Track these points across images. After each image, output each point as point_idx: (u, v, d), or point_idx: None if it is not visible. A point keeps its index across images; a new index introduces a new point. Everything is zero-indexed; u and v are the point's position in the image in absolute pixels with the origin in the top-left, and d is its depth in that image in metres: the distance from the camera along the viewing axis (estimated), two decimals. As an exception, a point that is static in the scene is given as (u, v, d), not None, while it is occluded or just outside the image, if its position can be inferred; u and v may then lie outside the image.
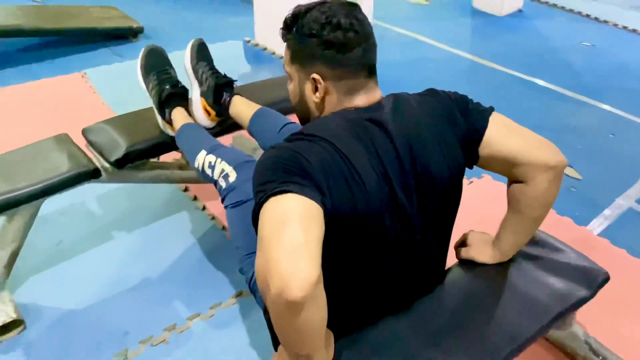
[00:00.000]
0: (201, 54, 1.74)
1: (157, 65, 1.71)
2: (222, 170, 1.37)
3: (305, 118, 1.10)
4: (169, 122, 1.67)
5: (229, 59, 3.18)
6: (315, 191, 0.86)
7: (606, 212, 2.08)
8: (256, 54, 2.96)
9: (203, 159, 1.45)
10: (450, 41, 3.58)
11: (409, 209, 1.00)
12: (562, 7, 4.18)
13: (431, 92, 1.11)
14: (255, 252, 1.10)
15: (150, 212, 2.00)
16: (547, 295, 1.12)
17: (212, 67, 1.73)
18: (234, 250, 1.31)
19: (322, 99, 1.03)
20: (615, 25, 3.91)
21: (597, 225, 2.01)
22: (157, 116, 1.69)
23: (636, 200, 2.15)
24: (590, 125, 2.66)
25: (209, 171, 1.42)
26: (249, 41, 3.00)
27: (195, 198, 2.07)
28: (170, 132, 1.67)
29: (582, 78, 3.13)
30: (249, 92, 1.98)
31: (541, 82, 3.08)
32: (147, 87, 1.71)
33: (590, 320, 1.56)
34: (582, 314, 1.56)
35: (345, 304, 1.02)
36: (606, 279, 1.18)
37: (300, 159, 0.89)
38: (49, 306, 1.62)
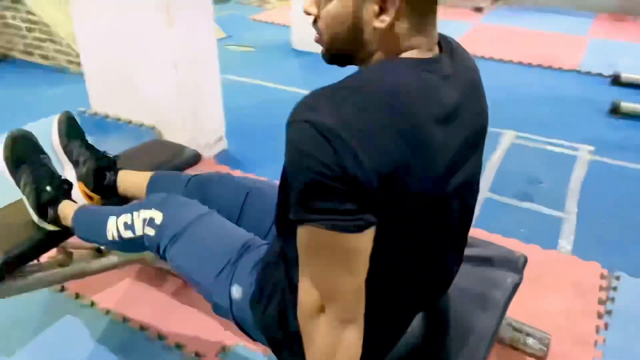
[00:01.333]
0: (72, 130, 1.52)
1: (27, 157, 1.44)
2: (144, 220, 1.15)
3: (343, 56, 0.82)
4: (55, 221, 1.42)
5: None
6: (366, 208, 0.71)
7: (473, 206, 2.35)
8: (98, 124, 2.71)
9: (115, 226, 1.21)
10: (286, 81, 3.74)
11: (470, 198, 0.91)
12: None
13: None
14: (225, 267, 1.04)
15: (30, 324, 1.68)
16: (491, 289, 1.22)
17: (87, 145, 1.53)
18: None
19: (390, 27, 0.76)
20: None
21: (471, 219, 2.26)
22: (33, 215, 1.43)
23: (489, 190, 2.47)
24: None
25: (128, 234, 1.19)
26: (84, 111, 2.75)
27: (77, 296, 1.80)
28: (50, 227, 1.44)
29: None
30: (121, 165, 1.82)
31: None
32: (18, 183, 1.44)
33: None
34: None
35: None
36: (526, 261, 1.34)
37: (345, 158, 0.67)
38: None
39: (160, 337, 1.63)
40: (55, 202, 1.41)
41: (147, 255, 1.85)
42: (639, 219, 2.27)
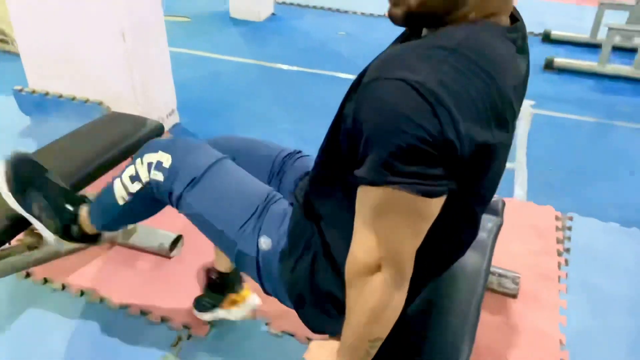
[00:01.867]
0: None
1: (32, 179, 1.28)
2: (149, 165, 1.07)
3: (430, 16, 0.77)
4: (80, 236, 1.29)
5: (1, 118, 2.67)
6: (452, 175, 0.71)
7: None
8: (38, 103, 2.53)
9: (121, 185, 1.12)
10: (229, 51, 3.64)
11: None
12: (307, 5, 4.61)
13: None
14: (251, 217, 1.02)
15: (-4, 316, 1.58)
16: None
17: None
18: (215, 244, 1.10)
19: None
20: (357, 13, 4.50)
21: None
22: (52, 237, 1.28)
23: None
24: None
25: (136, 186, 1.10)
26: (21, 90, 2.55)
27: (45, 281, 1.71)
28: (75, 245, 1.32)
29: (351, 61, 3.53)
30: (63, 151, 1.70)
31: (323, 72, 3.38)
32: (29, 210, 1.27)
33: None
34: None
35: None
36: (504, 204, 1.41)
37: (444, 123, 0.66)
38: None
39: (143, 312, 1.59)
40: (76, 217, 1.29)
41: (115, 234, 1.78)
42: (582, 164, 2.46)
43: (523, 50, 0.84)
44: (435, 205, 0.74)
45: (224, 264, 1.42)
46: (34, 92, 2.55)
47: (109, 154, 1.68)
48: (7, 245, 1.37)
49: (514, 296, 1.67)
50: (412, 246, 0.78)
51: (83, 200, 1.32)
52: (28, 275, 1.73)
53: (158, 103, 2.55)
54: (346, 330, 0.87)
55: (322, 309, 0.98)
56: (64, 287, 1.69)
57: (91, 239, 1.34)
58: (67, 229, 1.28)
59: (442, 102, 0.67)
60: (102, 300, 1.64)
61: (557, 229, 2.01)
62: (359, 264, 0.80)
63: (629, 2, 3.58)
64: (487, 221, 1.33)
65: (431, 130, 0.67)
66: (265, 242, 1.00)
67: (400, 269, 0.79)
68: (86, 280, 1.71)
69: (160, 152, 1.08)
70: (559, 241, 1.94)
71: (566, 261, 1.85)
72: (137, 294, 1.66)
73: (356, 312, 0.83)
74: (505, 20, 0.80)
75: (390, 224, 0.75)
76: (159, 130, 1.86)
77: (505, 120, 0.75)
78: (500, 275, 1.67)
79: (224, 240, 1.05)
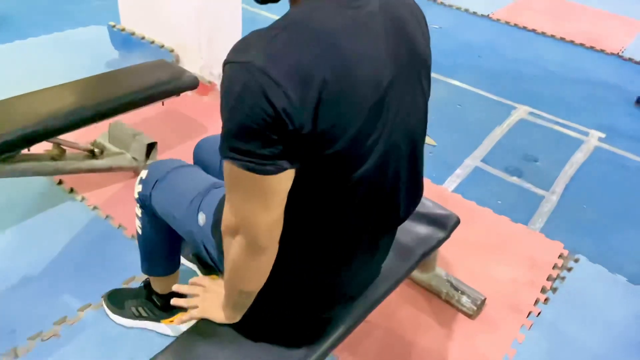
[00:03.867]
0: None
1: (125, 300, 1.56)
2: (137, 185, 1.30)
3: None
4: (163, 303, 1.50)
5: (94, 45, 3.05)
6: (288, 153, 0.76)
7: (457, 171, 2.40)
8: (124, 40, 2.86)
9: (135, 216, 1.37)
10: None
11: (405, 139, 0.94)
12: (414, -8, 4.56)
13: None
14: (195, 198, 1.17)
15: (24, 207, 1.90)
16: (412, 240, 1.32)
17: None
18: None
19: None
20: (459, 8, 4.38)
21: (451, 183, 2.31)
22: (159, 324, 1.53)
23: (481, 160, 2.50)
24: (442, 98, 3.01)
25: (138, 209, 1.34)
26: (114, 26, 2.89)
27: (71, 190, 2.00)
28: (173, 320, 1.50)
29: (435, 57, 3.48)
30: (120, 79, 1.97)
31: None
32: (131, 316, 1.53)
33: (450, 262, 1.83)
34: (443, 257, 1.83)
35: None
36: (458, 222, 1.42)
37: (273, 98, 0.71)
38: None
39: (134, 236, 1.82)
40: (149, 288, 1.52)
41: (137, 165, 2.02)
42: (621, 210, 2.27)
43: (379, 12, 0.84)
44: (276, 181, 0.79)
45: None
46: (123, 30, 2.88)
47: (141, 93, 1.91)
48: (27, 150, 1.64)
49: (470, 316, 1.66)
50: (264, 217, 0.84)
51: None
52: (60, 182, 2.03)
53: (220, 60, 2.73)
54: (224, 280, 1.00)
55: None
56: (83, 199, 1.97)
57: (166, 300, 1.47)
58: (154, 303, 1.51)
59: (270, 77, 0.71)
60: (107, 217, 1.90)
61: (556, 267, 1.91)
62: (224, 226, 0.90)
63: None
64: (428, 233, 1.35)
65: (261, 108, 0.72)
66: (202, 218, 1.13)
67: (253, 237, 0.86)
68: (102, 199, 1.98)
69: (143, 171, 1.30)
70: (549, 278, 1.86)
71: (546, 300, 1.78)
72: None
73: (225, 265, 0.95)
74: None
75: (238, 196, 0.84)
76: (193, 83, 2.06)
77: (355, 82, 0.77)
78: (463, 292, 1.66)
79: (181, 226, 1.21)
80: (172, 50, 2.72)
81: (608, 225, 2.18)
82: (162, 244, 1.38)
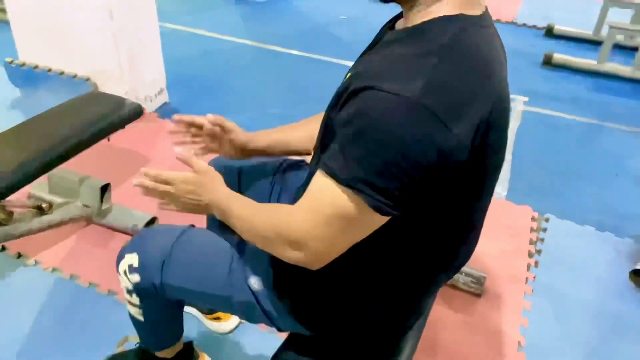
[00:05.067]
0: None
1: None
2: (125, 272, 1.05)
3: None
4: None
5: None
6: (420, 197, 0.72)
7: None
8: (26, 75, 2.54)
9: (127, 302, 1.12)
10: (227, 30, 3.62)
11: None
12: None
13: None
14: (232, 266, 1.01)
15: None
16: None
17: None
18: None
19: None
20: (359, -3, 4.44)
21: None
22: None
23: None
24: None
25: (134, 298, 1.09)
26: (12, 62, 2.56)
27: (19, 255, 1.74)
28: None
29: (350, 47, 3.50)
30: (55, 120, 1.74)
31: (321, 57, 3.35)
32: None
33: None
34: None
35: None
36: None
37: (435, 135, 0.66)
38: None
39: (112, 292, 1.62)
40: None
41: (91, 213, 1.81)
42: (567, 166, 2.44)
43: (497, 35, 0.82)
44: (379, 221, 0.74)
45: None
46: (23, 64, 2.57)
47: (86, 133, 1.70)
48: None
49: (479, 295, 1.69)
50: (342, 249, 0.79)
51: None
52: (3, 248, 1.76)
53: (146, 81, 2.55)
54: (241, 214, 0.90)
55: (337, 315, 0.96)
56: (36, 262, 1.72)
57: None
58: None
59: (437, 116, 0.65)
60: (72, 277, 1.68)
61: (532, 230, 2.01)
62: (289, 236, 0.81)
63: (635, 0, 3.51)
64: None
65: (422, 150, 0.66)
66: (255, 282, 0.98)
67: (319, 260, 0.81)
68: (59, 257, 1.74)
69: (126, 255, 1.06)
70: (531, 242, 1.94)
71: (536, 263, 1.85)
72: (107, 273, 1.69)
73: (262, 230, 0.86)
74: (478, 10, 0.77)
75: (338, 227, 0.76)
76: (137, 112, 1.88)
77: (506, 117, 0.77)
78: (466, 274, 1.68)
79: (220, 301, 1.04)
80: (88, 79, 2.47)
81: (560, 181, 2.33)
82: (170, 319, 1.21)
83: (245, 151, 1.16)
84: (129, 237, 1.83)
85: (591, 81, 3.25)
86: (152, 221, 1.86)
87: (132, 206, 1.90)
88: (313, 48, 3.46)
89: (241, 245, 1.04)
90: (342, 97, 0.74)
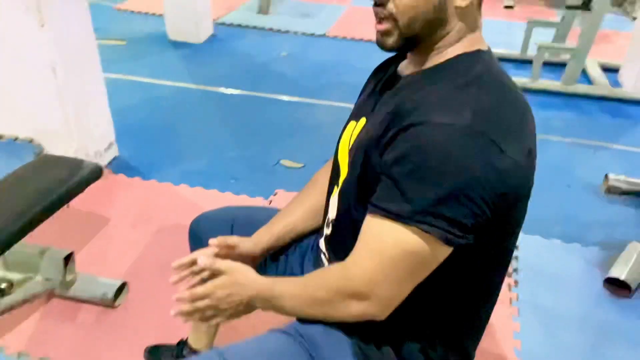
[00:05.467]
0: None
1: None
2: None
3: (416, 39, 0.79)
4: None
5: None
6: (486, 223, 0.73)
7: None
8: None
9: None
10: (169, 75, 3.54)
11: None
12: (247, 26, 4.56)
13: None
14: None
15: None
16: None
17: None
18: None
19: (468, 6, 0.77)
20: (295, 33, 4.49)
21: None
22: None
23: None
24: (324, 122, 3.02)
25: None
26: (-60, 129, 2.36)
27: (-23, 343, 1.57)
28: None
29: (295, 82, 3.52)
30: (7, 192, 1.59)
31: (268, 95, 3.34)
32: None
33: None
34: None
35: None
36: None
37: (495, 161, 0.70)
38: None
39: (89, 372, 1.49)
40: None
41: (54, 286, 1.67)
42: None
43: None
44: (445, 253, 0.74)
45: (203, 341, 1.32)
46: (-45, 130, 2.37)
47: (44, 202, 1.57)
48: None
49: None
50: (407, 290, 0.77)
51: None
52: (-44, 338, 1.58)
53: (95, 136, 2.42)
54: (290, 291, 0.85)
55: None
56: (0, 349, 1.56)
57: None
58: None
59: (493, 141, 0.70)
60: (41, 361, 1.52)
61: (505, 249, 2.05)
62: (352, 289, 0.78)
63: (555, 19, 3.77)
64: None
65: (485, 176, 0.69)
66: None
67: (387, 306, 0.78)
68: (23, 340, 1.58)
69: None
70: (507, 262, 1.98)
71: (516, 282, 1.89)
72: (80, 350, 1.56)
73: (319, 297, 0.81)
74: (481, 37, 0.84)
75: (402, 273, 0.75)
76: (96, 172, 1.76)
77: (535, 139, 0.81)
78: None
79: None
80: (31, 141, 2.32)
81: (520, 197, 2.41)
82: None
83: (257, 257, 1.09)
84: (98, 308, 1.70)
85: (528, 97, 3.42)
86: (122, 287, 1.74)
87: (97, 272, 1.77)
88: (258, 86, 3.44)
89: (299, 336, 0.91)
90: (384, 139, 0.75)
